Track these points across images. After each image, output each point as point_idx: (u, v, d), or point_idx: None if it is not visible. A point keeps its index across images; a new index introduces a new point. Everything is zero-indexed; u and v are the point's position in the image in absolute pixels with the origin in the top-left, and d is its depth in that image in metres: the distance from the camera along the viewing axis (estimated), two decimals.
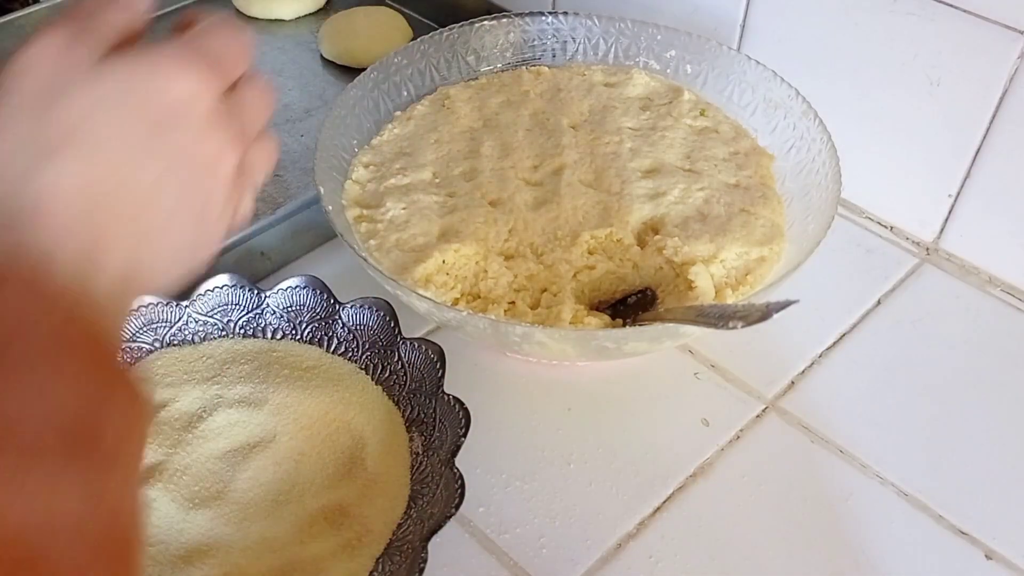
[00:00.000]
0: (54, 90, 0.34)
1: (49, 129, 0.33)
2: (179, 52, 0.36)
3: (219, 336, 0.63)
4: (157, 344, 0.62)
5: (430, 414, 0.58)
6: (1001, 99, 0.66)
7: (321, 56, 0.92)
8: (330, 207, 0.62)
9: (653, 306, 0.62)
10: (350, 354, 0.62)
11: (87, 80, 0.34)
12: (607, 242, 0.63)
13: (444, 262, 0.61)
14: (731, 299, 0.60)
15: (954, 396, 0.64)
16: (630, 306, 0.63)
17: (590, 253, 0.63)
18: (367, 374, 0.61)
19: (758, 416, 0.63)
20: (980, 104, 0.67)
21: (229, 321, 0.63)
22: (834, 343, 0.67)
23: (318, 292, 0.63)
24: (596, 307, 0.63)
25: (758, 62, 0.71)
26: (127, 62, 0.35)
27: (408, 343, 0.60)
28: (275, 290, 0.63)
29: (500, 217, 0.64)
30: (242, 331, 0.63)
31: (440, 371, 0.58)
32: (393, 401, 0.60)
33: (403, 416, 0.59)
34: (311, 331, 0.63)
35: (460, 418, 0.55)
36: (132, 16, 0.37)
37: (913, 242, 0.75)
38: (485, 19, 0.77)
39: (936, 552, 0.56)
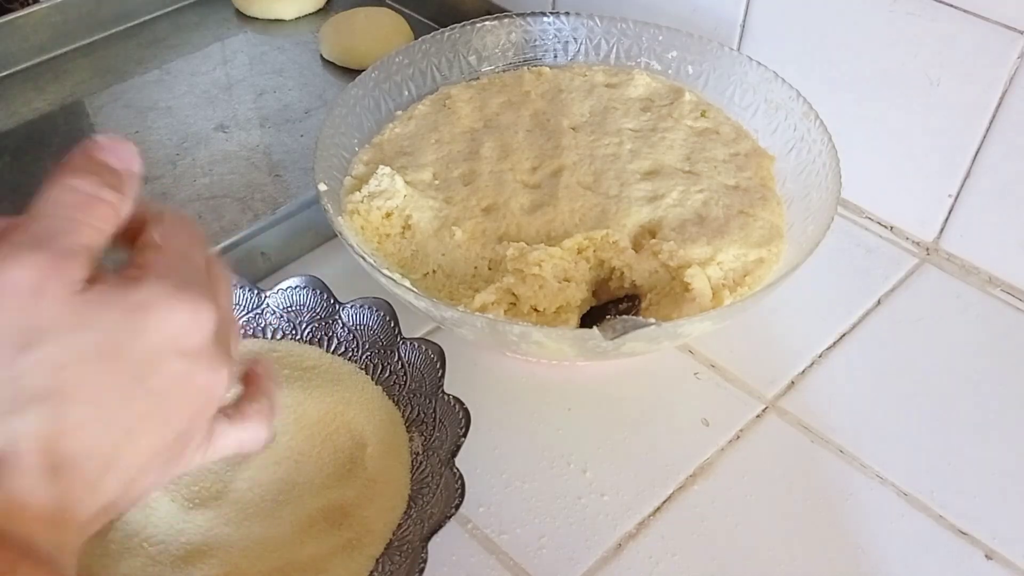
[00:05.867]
0: (27, 333, 0.29)
1: (18, 381, 0.29)
2: (165, 284, 0.31)
3: None
4: None
5: (430, 414, 0.58)
6: (1001, 99, 0.66)
7: (321, 56, 0.92)
8: (330, 207, 0.62)
9: (635, 313, 0.62)
10: (350, 354, 0.62)
11: (65, 326, 0.29)
12: (601, 243, 0.62)
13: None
14: (729, 300, 0.60)
15: (954, 396, 0.64)
16: (617, 312, 0.63)
17: (579, 252, 0.62)
18: (367, 374, 0.61)
19: (758, 416, 0.63)
20: (980, 104, 0.67)
21: None
22: (834, 343, 0.67)
23: (318, 292, 0.63)
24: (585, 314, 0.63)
25: (759, 63, 0.71)
26: (111, 302, 0.30)
27: (408, 343, 0.60)
28: (275, 290, 0.63)
29: (490, 227, 0.64)
30: (242, 331, 0.63)
31: (440, 371, 0.58)
32: (393, 401, 0.60)
33: (403, 416, 0.59)
34: (311, 331, 0.63)
35: (460, 418, 0.55)
36: (122, 202, 0.32)
37: (913, 242, 0.75)
38: (487, 19, 0.77)
39: (936, 552, 0.56)
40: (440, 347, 0.59)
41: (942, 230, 0.74)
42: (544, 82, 0.76)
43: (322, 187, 0.63)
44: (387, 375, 0.61)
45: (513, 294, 0.60)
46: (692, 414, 0.62)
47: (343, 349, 0.62)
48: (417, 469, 0.56)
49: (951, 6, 0.65)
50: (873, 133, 0.74)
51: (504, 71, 0.78)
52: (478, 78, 0.77)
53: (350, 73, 0.88)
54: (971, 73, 0.67)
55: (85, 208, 0.30)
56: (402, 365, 0.60)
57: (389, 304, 0.61)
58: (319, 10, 0.99)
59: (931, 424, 0.62)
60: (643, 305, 0.62)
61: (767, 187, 0.68)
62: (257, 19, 0.97)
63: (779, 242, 0.64)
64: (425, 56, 0.76)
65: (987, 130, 0.68)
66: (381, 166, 0.66)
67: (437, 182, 0.68)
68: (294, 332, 0.63)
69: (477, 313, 0.58)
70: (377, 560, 0.52)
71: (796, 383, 0.65)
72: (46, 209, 0.30)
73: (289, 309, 0.63)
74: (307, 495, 0.54)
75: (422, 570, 0.48)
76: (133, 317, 0.30)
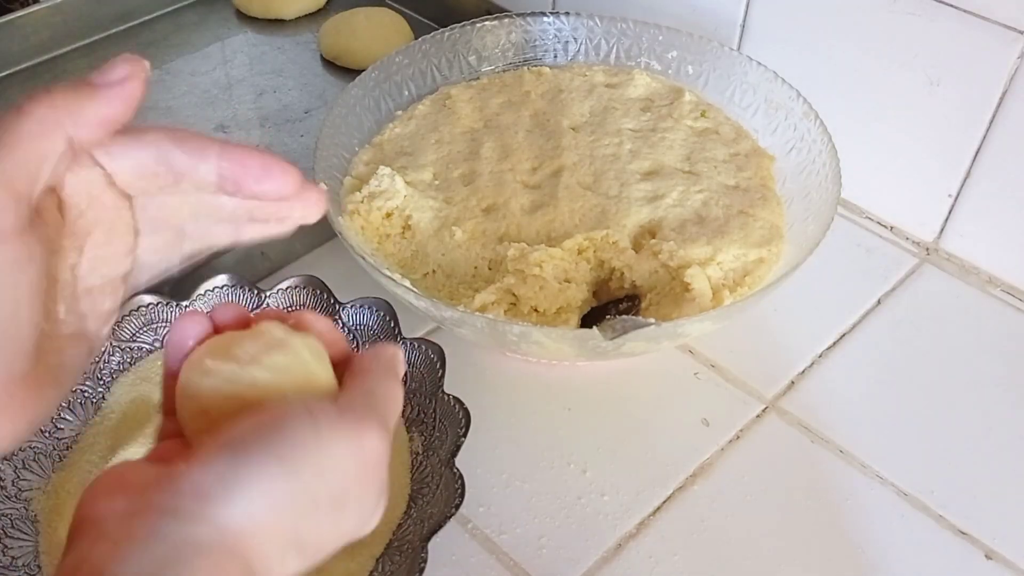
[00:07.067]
0: (347, 498, 0.33)
1: (310, 533, 0.31)
2: (374, 417, 0.34)
3: None
4: (157, 344, 0.62)
5: (430, 414, 0.58)
6: (1001, 99, 0.66)
7: (321, 56, 0.92)
8: (330, 207, 0.62)
9: (635, 313, 0.62)
10: None
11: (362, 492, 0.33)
12: (602, 244, 0.62)
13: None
14: (729, 300, 0.60)
15: (954, 396, 0.64)
16: (617, 312, 0.63)
17: (579, 252, 0.62)
18: None
19: (758, 416, 0.63)
20: (980, 104, 0.67)
21: None
22: (834, 343, 0.67)
23: (318, 292, 0.63)
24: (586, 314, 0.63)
25: (759, 63, 0.71)
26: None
27: (408, 343, 0.60)
28: (275, 290, 0.63)
29: (490, 227, 0.64)
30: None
31: (440, 371, 0.58)
32: None
33: (403, 416, 0.59)
34: None
35: (460, 418, 0.55)
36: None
37: (913, 242, 0.75)
38: (487, 19, 0.77)
39: (936, 552, 0.56)
40: (440, 347, 0.59)
41: (942, 230, 0.74)
42: (544, 82, 0.76)
43: (322, 187, 0.63)
44: None
45: (513, 294, 0.60)
46: (692, 414, 0.62)
47: None
48: (417, 469, 0.56)
49: (951, 6, 0.65)
50: (873, 133, 0.74)
51: (504, 71, 0.78)
52: (478, 78, 0.77)
53: (350, 73, 0.88)
54: (971, 73, 0.67)
55: (399, 401, 0.36)
56: None
57: (389, 304, 0.61)
58: (319, 10, 0.99)
59: (931, 424, 0.62)
60: (643, 305, 0.62)
61: (767, 187, 0.68)
62: (257, 19, 0.97)
63: (779, 242, 0.64)
64: (425, 56, 0.76)
65: (987, 130, 0.68)
66: (381, 166, 0.66)
67: (437, 182, 0.68)
68: None
69: (477, 313, 0.58)
70: (377, 560, 0.52)
71: (796, 383, 0.65)
72: (383, 390, 0.35)
73: (289, 309, 0.63)
74: None
75: (422, 570, 0.48)
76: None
